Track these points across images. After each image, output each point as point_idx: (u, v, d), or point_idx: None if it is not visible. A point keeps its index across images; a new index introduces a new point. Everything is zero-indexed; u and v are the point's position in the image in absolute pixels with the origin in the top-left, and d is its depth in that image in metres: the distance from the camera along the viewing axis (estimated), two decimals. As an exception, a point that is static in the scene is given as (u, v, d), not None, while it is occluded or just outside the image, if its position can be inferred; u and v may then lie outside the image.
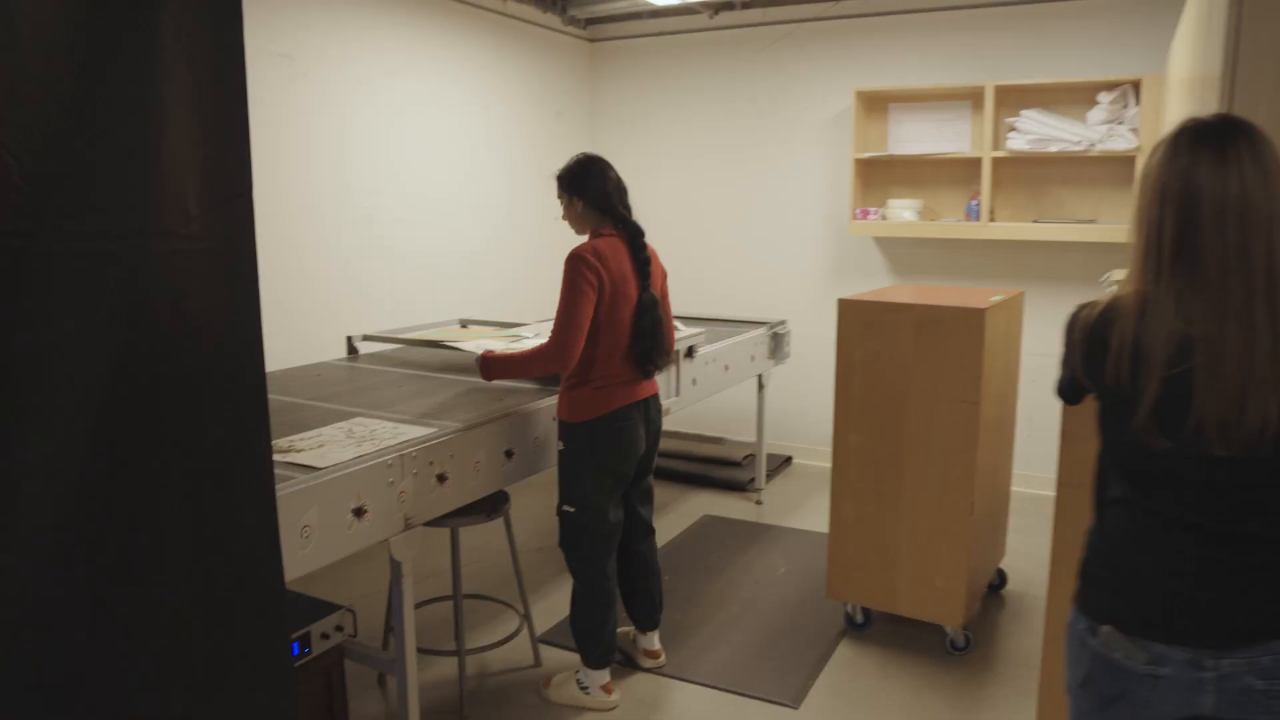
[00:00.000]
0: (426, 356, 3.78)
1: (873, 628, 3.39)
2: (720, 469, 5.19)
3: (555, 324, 2.69)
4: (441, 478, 2.52)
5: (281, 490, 2.03)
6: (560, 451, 2.84)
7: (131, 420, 1.32)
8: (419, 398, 2.97)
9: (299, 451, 2.33)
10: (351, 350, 3.90)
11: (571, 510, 2.84)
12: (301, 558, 2.10)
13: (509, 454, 2.80)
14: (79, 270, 1.25)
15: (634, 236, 2.81)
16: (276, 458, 2.26)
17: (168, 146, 1.33)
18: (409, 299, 4.58)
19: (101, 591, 1.29)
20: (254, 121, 3.72)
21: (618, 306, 2.73)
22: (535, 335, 3.70)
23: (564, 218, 2.89)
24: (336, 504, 2.19)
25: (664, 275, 2.96)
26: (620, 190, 2.84)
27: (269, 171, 3.78)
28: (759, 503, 4.84)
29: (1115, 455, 1.50)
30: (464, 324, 4.50)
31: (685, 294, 5.42)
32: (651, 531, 3.10)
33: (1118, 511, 1.49)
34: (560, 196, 2.86)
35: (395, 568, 2.43)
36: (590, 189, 2.80)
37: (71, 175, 1.22)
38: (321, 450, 2.34)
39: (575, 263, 2.70)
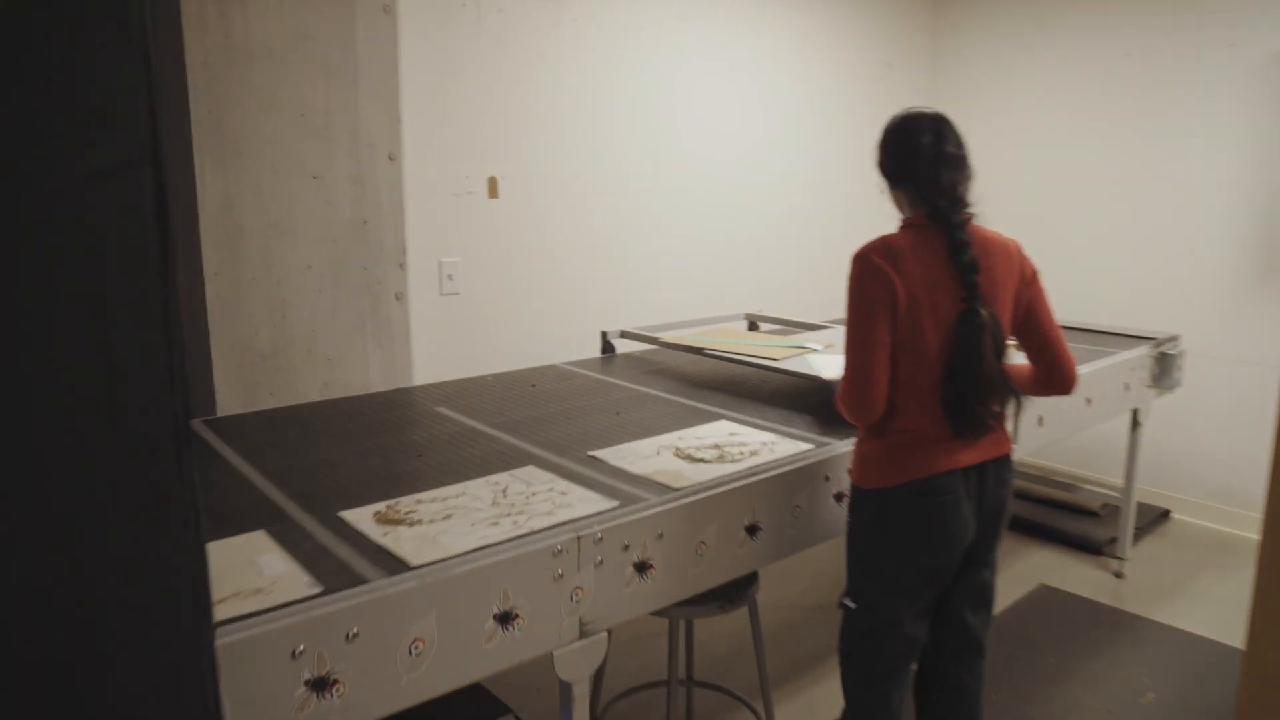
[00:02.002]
0: (690, 364, 3.07)
1: (1302, 836, 2.23)
2: (1069, 519, 4.02)
3: (846, 359, 1.90)
4: (642, 567, 1.79)
5: (379, 592, 1.41)
6: (848, 523, 2.02)
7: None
8: (643, 432, 2.25)
9: (410, 525, 1.65)
10: (606, 348, 3.28)
11: (852, 607, 2.01)
12: (407, 684, 1.46)
13: (752, 530, 2.00)
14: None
15: (945, 219, 1.86)
16: (374, 532, 1.62)
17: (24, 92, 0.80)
18: (688, 286, 3.89)
19: None
20: (504, 73, 3.19)
21: (920, 328, 1.82)
22: (827, 346, 2.88)
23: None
24: (468, 608, 1.52)
25: (1021, 280, 1.96)
26: (937, 155, 1.88)
27: (523, 133, 3.23)
28: (1120, 575, 3.65)
29: None
30: (752, 323, 3.74)
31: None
32: (980, 651, 2.11)
33: None
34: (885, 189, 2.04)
35: (564, 690, 1.74)
36: (894, 163, 1.93)
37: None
38: (443, 526, 1.65)
39: (855, 268, 1.85)
